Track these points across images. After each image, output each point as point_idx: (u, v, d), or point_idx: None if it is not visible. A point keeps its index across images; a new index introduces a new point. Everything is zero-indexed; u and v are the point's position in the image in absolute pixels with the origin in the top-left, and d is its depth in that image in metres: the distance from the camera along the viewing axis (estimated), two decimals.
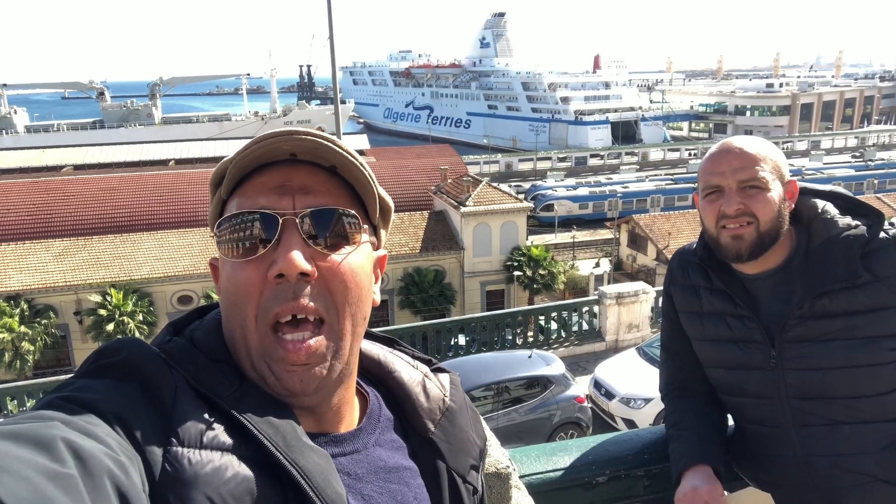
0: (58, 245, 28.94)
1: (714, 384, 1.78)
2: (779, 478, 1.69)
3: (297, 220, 0.83)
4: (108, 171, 41.80)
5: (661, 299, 1.91)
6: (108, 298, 26.88)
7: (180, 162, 51.33)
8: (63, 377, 19.06)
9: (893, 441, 1.55)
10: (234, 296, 0.83)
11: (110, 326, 26.32)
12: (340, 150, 0.85)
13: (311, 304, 0.82)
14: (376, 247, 0.94)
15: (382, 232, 0.97)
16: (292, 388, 0.82)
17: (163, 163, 50.70)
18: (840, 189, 1.71)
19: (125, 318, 26.65)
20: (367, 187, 0.90)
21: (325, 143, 0.84)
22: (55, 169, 47.55)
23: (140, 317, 27.17)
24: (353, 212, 0.87)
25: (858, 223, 1.59)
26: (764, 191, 1.54)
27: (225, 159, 0.87)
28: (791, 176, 1.62)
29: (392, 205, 0.97)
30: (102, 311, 26.68)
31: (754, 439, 1.72)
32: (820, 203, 1.64)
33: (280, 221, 0.82)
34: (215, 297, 0.93)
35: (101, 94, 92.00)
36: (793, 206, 1.61)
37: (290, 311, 0.81)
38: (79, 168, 47.85)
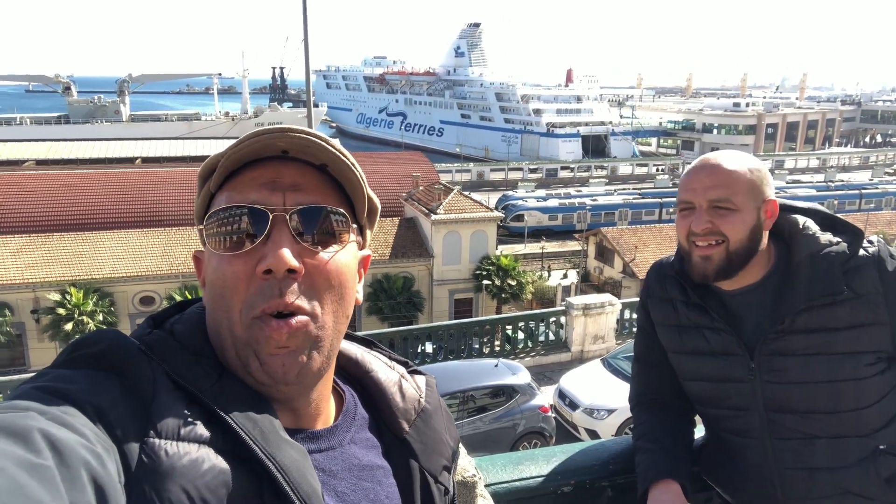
0: (16, 241, 28.16)
1: (692, 396, 1.78)
2: (750, 488, 1.70)
3: (287, 217, 0.84)
4: (72, 168, 40.86)
5: (636, 311, 1.91)
6: (68, 297, 26.23)
7: (147, 161, 50.42)
8: (17, 377, 18.56)
9: (866, 455, 1.56)
10: (220, 289, 0.84)
11: (69, 326, 25.66)
12: (332, 149, 0.86)
13: (297, 301, 0.83)
14: (361, 246, 0.95)
15: (368, 232, 0.97)
16: (275, 372, 0.82)
17: (129, 161, 49.70)
18: (819, 206, 1.72)
19: (84, 317, 26.01)
20: (357, 187, 0.91)
21: (318, 140, 0.85)
22: (16, 163, 46.31)
23: (100, 317, 26.54)
24: (342, 210, 0.89)
25: (839, 240, 1.60)
26: (734, 212, 1.53)
27: (216, 153, 0.87)
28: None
29: (379, 205, 0.98)
30: (61, 311, 26.02)
31: (728, 450, 1.73)
32: (801, 219, 1.65)
33: (270, 217, 0.83)
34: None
35: (68, 88, 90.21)
36: (770, 224, 1.61)
37: (275, 308, 0.82)
38: (41, 163, 46.68)
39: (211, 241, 0.85)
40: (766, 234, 1.60)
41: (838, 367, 1.54)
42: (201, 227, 0.88)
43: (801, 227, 1.64)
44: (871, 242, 1.60)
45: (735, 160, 1.58)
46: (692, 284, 1.68)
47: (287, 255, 0.81)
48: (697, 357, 1.70)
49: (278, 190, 0.85)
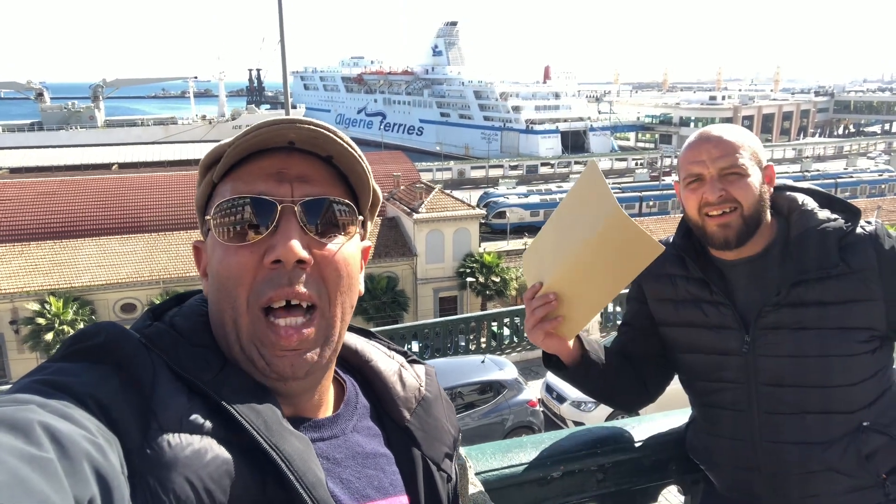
0: None
1: (685, 369, 1.80)
2: (730, 460, 1.73)
3: (296, 208, 0.84)
4: (48, 175, 40.17)
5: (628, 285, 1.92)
6: (47, 306, 25.81)
7: (124, 166, 49.81)
8: None
9: (849, 431, 1.59)
10: (225, 280, 0.84)
11: (49, 336, 25.25)
12: (340, 141, 0.86)
13: (305, 290, 0.83)
14: (363, 237, 0.96)
15: (369, 223, 0.98)
16: (282, 372, 0.83)
17: (105, 167, 49.05)
18: (817, 187, 1.76)
19: (65, 326, 25.62)
20: (363, 179, 0.91)
21: (326, 132, 0.84)
22: None
23: (81, 325, 26.14)
24: (349, 202, 0.89)
25: (837, 217, 1.63)
26: (744, 177, 1.58)
27: (221, 143, 0.87)
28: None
29: (381, 197, 0.98)
30: (41, 320, 25.59)
31: (715, 422, 1.75)
32: (800, 197, 1.69)
33: (279, 208, 0.83)
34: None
35: (40, 94, 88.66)
36: (771, 190, 1.66)
37: (284, 297, 0.82)
38: (15, 171, 45.86)
39: (217, 231, 0.85)
40: (768, 201, 1.64)
41: (830, 342, 1.57)
42: (208, 216, 0.87)
43: (799, 203, 1.67)
44: (868, 222, 1.64)
45: (733, 131, 1.63)
46: (694, 259, 1.72)
47: (296, 245, 0.81)
48: (693, 329, 1.73)
49: (286, 181, 0.85)
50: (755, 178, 1.59)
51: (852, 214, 1.65)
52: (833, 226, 1.61)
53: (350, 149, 0.87)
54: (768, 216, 1.65)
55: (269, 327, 0.82)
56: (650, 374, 1.83)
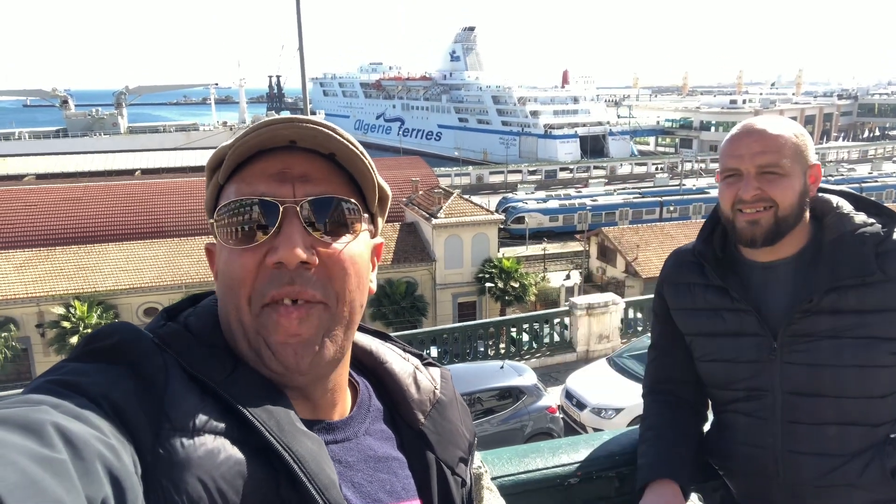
0: (19, 256, 28.17)
1: (706, 378, 1.75)
2: (749, 469, 1.69)
3: (298, 208, 0.83)
4: (72, 181, 40.86)
5: (653, 298, 1.88)
6: (72, 310, 26.20)
7: (147, 172, 50.56)
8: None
9: (874, 444, 1.54)
10: (230, 280, 0.84)
11: (74, 339, 25.60)
12: (341, 139, 0.85)
13: (309, 290, 0.82)
14: (373, 234, 0.95)
15: (379, 220, 0.97)
16: (286, 360, 0.83)
17: (129, 173, 49.88)
18: (851, 189, 1.70)
19: (89, 330, 25.93)
20: (367, 176, 0.89)
21: (326, 130, 0.84)
22: (16, 178, 46.41)
23: None
24: (352, 200, 0.88)
25: (874, 221, 1.56)
26: (783, 177, 1.50)
27: (223, 144, 0.87)
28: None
29: (390, 193, 0.97)
30: (66, 324, 25.98)
31: (735, 429, 1.70)
32: (835, 199, 1.62)
33: (280, 209, 0.82)
34: None
35: (65, 102, 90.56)
36: (815, 190, 1.59)
37: (286, 296, 0.82)
38: (41, 177, 46.82)
39: (221, 234, 0.85)
40: (808, 203, 1.57)
41: (862, 352, 1.50)
42: (212, 220, 0.87)
43: (834, 205, 1.61)
44: None
45: (780, 124, 1.55)
46: (713, 265, 1.66)
47: (298, 247, 0.81)
48: (714, 339, 1.67)
49: (287, 181, 0.84)
50: (796, 177, 1.51)
51: (888, 218, 1.57)
52: (870, 230, 1.54)
53: (351, 146, 0.86)
54: (807, 217, 1.58)
55: (272, 310, 0.82)
56: (695, 396, 1.81)
